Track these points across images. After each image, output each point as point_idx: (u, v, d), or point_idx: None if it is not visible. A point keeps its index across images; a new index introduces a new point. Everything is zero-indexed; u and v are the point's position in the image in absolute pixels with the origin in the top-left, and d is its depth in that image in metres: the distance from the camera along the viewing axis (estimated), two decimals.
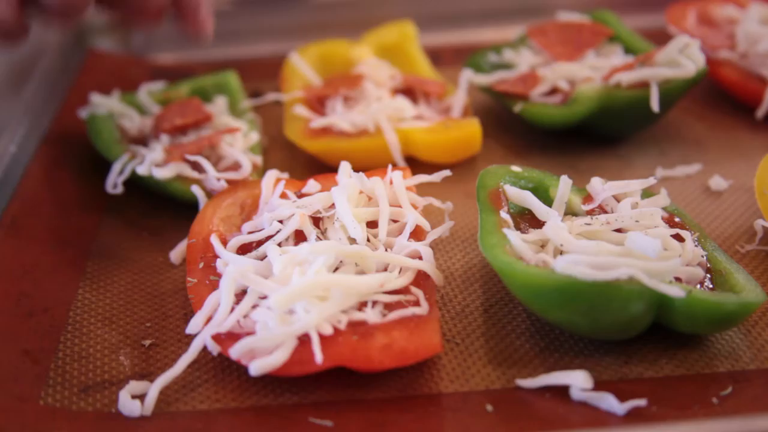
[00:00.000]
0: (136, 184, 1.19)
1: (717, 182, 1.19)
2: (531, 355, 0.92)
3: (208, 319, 0.92)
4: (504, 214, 0.97)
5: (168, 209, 1.18)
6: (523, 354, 0.92)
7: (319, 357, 0.84)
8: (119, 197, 1.20)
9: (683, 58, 1.25)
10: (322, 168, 1.21)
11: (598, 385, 0.87)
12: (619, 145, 1.31)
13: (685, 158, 1.27)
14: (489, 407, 0.86)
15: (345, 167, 1.06)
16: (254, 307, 0.91)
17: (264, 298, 0.91)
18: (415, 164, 1.23)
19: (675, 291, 0.85)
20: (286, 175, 1.12)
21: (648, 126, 1.32)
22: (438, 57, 1.60)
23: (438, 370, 0.91)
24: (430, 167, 1.17)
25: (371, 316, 0.88)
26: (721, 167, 1.24)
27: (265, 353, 0.86)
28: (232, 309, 0.91)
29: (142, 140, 1.28)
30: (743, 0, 1.51)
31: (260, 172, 1.19)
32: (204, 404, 0.88)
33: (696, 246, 0.97)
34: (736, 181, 1.20)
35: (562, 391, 0.87)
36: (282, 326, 0.86)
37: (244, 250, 1.02)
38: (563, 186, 1.01)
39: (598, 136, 1.31)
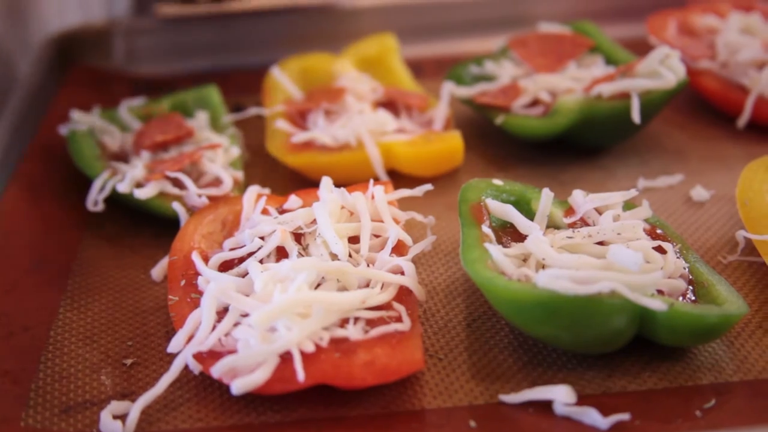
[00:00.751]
0: (117, 201, 1.18)
1: (699, 193, 1.20)
2: (514, 369, 0.92)
3: (190, 338, 0.91)
4: (486, 228, 0.97)
5: (149, 226, 1.18)
6: (506, 369, 0.92)
7: (301, 375, 0.84)
8: (100, 214, 1.20)
9: (664, 68, 1.25)
10: (304, 182, 1.21)
11: (582, 399, 0.87)
12: (601, 156, 1.31)
13: (667, 168, 1.27)
14: (472, 423, 0.86)
15: (326, 182, 1.05)
16: (236, 324, 0.91)
17: (246, 315, 0.91)
18: (398, 177, 1.23)
19: (657, 304, 0.85)
20: (267, 191, 1.12)
21: (630, 137, 1.32)
22: (420, 69, 1.60)
23: (421, 386, 0.90)
24: (412, 180, 1.17)
25: (353, 332, 0.88)
26: (703, 177, 1.24)
27: (246, 371, 0.85)
28: (214, 327, 0.90)
29: (124, 156, 1.28)
30: (723, 9, 1.52)
31: (241, 187, 1.19)
32: (186, 423, 0.88)
33: (678, 258, 0.97)
34: (718, 191, 1.20)
35: (546, 405, 0.86)
36: (263, 344, 0.86)
37: (225, 267, 1.01)
38: (545, 199, 1.01)
39: (580, 148, 1.31)
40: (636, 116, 1.21)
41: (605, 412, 0.84)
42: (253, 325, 0.86)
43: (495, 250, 0.92)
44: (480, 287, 0.92)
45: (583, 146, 1.31)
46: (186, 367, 0.90)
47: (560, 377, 0.90)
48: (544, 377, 0.91)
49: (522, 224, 0.98)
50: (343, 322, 0.89)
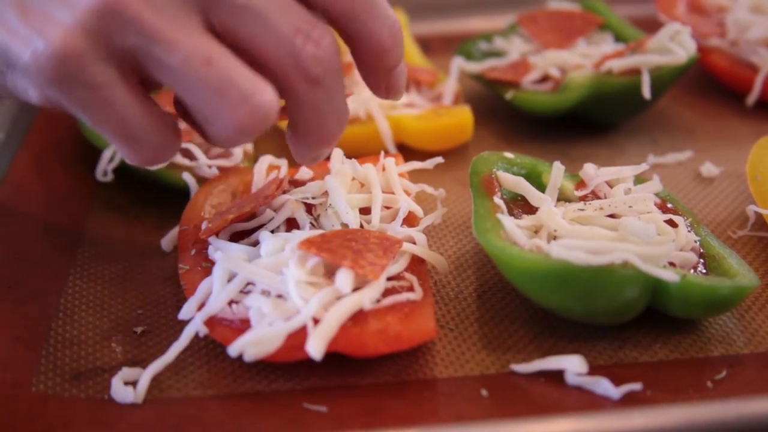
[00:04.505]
0: (126, 171, 1.18)
1: (708, 169, 1.20)
2: (525, 340, 0.92)
3: (201, 306, 0.91)
4: (497, 200, 0.97)
5: (159, 197, 1.18)
6: (517, 339, 0.92)
7: (314, 347, 0.83)
8: (109, 185, 1.20)
9: (674, 45, 1.25)
10: None
11: (593, 370, 0.87)
12: (610, 132, 1.31)
13: (676, 145, 1.27)
14: (484, 392, 0.86)
15: (337, 154, 1.05)
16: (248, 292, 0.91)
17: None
18: (407, 151, 1.23)
19: (669, 275, 0.85)
20: (283, 161, 1.11)
21: (639, 113, 1.32)
22: (428, 46, 1.60)
23: (432, 356, 0.90)
24: (421, 154, 1.16)
25: (366, 301, 0.87)
26: (712, 154, 1.24)
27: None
28: None
29: None
30: None
31: (251, 159, 1.19)
32: (197, 390, 0.88)
33: (689, 231, 0.97)
34: (727, 167, 1.20)
35: (557, 375, 0.86)
36: (277, 313, 0.86)
37: (236, 237, 1.01)
38: (556, 172, 1.01)
39: (589, 124, 1.31)
40: (647, 92, 1.21)
41: (616, 382, 0.84)
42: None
43: (507, 220, 0.92)
44: (492, 257, 0.92)
45: (592, 122, 1.31)
46: (197, 335, 0.90)
47: (572, 348, 0.90)
48: (555, 348, 0.91)
49: (534, 196, 0.98)
50: (355, 291, 0.89)
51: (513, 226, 0.92)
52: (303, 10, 0.81)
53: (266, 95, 0.79)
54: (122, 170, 1.18)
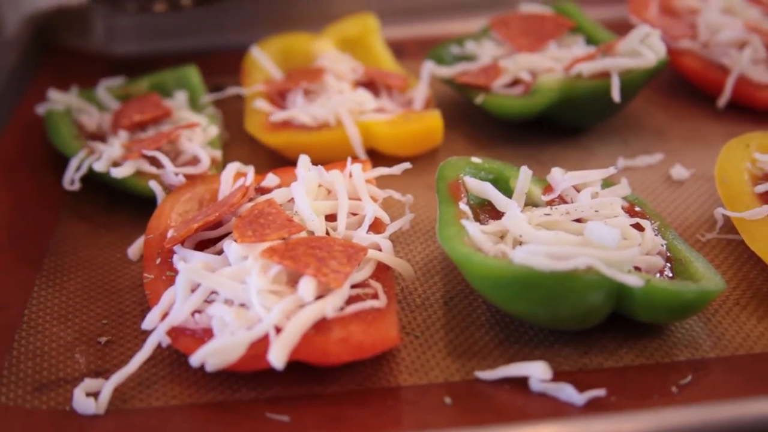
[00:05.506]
0: (94, 180, 1.18)
1: (678, 171, 1.19)
2: (491, 346, 0.92)
3: (165, 315, 0.91)
4: (463, 206, 0.97)
5: (127, 205, 1.17)
6: (482, 346, 0.92)
7: (276, 356, 0.83)
8: (77, 194, 1.19)
9: (644, 47, 1.25)
10: (284, 162, 1.20)
11: (558, 376, 0.86)
12: (581, 135, 1.31)
13: (647, 148, 1.27)
14: (447, 400, 0.85)
15: (304, 160, 1.05)
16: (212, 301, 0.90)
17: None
18: (377, 157, 1.22)
19: (633, 280, 0.84)
20: (250, 168, 1.11)
21: (610, 116, 1.32)
22: (401, 50, 1.59)
23: (397, 364, 0.90)
24: (391, 160, 1.16)
25: (328, 309, 0.87)
26: (683, 156, 1.24)
27: None
28: None
29: (101, 136, 1.27)
30: None
31: (219, 166, 1.18)
32: (159, 401, 0.87)
33: (656, 235, 0.96)
34: (698, 170, 1.20)
35: (522, 382, 0.86)
36: (239, 321, 0.85)
37: (202, 246, 1.00)
38: (523, 177, 1.00)
39: (560, 127, 1.31)
40: (616, 95, 1.21)
41: (581, 388, 0.84)
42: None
43: (472, 226, 0.92)
44: (456, 264, 0.91)
45: (563, 126, 1.31)
46: (161, 345, 0.89)
47: (537, 354, 0.90)
48: (520, 354, 0.90)
49: (499, 201, 0.97)
50: (318, 299, 0.89)
51: (477, 232, 0.91)
52: None
53: None
54: (90, 179, 1.17)
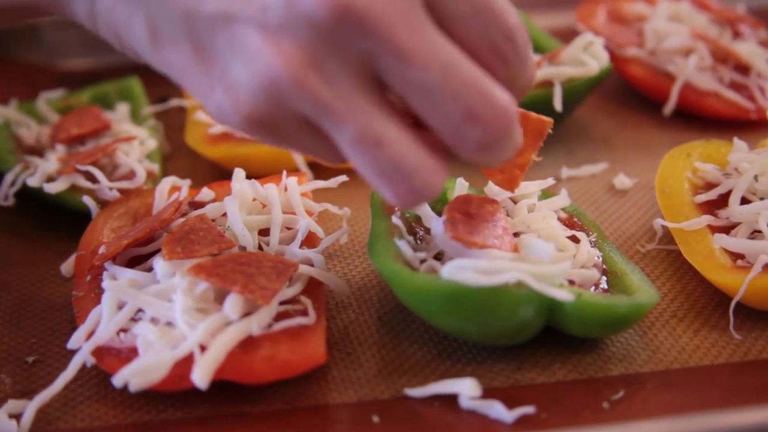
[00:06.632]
0: (30, 195, 1.16)
1: (621, 181, 1.18)
2: (422, 363, 0.90)
3: (91, 334, 0.89)
4: (395, 220, 0.95)
5: (63, 221, 1.15)
6: (414, 362, 0.90)
7: (199, 376, 0.81)
8: (12, 209, 1.17)
9: (587, 56, 1.24)
10: (227, 175, 1.18)
11: (490, 392, 0.85)
12: None
13: (592, 157, 1.26)
14: (375, 418, 0.84)
15: (239, 174, 1.03)
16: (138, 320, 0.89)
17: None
18: (319, 170, 1.21)
19: (563, 295, 0.83)
20: (187, 182, 1.09)
21: (556, 125, 1.30)
22: None
23: (327, 381, 0.89)
24: (333, 173, 1.15)
25: (255, 327, 0.85)
26: (627, 165, 1.23)
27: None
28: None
29: (40, 150, 1.25)
30: None
31: (157, 180, 1.16)
32: (84, 422, 0.86)
33: (593, 247, 0.95)
34: (641, 179, 1.19)
35: (452, 399, 0.85)
36: (163, 340, 0.84)
37: (135, 262, 0.99)
38: (458, 189, 0.99)
39: None
40: (558, 104, 1.20)
41: (512, 404, 0.83)
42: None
43: (401, 241, 0.90)
44: (385, 279, 0.90)
45: None
46: (87, 365, 0.88)
47: (469, 370, 0.89)
48: (452, 370, 0.89)
49: (428, 216, 0.95)
50: (246, 316, 0.87)
51: (407, 247, 0.90)
52: (484, 85, 0.76)
53: (426, 177, 0.77)
54: (25, 194, 1.15)
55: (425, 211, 0.95)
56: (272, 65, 0.73)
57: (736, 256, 0.96)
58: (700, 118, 1.33)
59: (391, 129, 0.75)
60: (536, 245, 0.87)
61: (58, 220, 1.16)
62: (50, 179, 1.13)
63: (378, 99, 0.76)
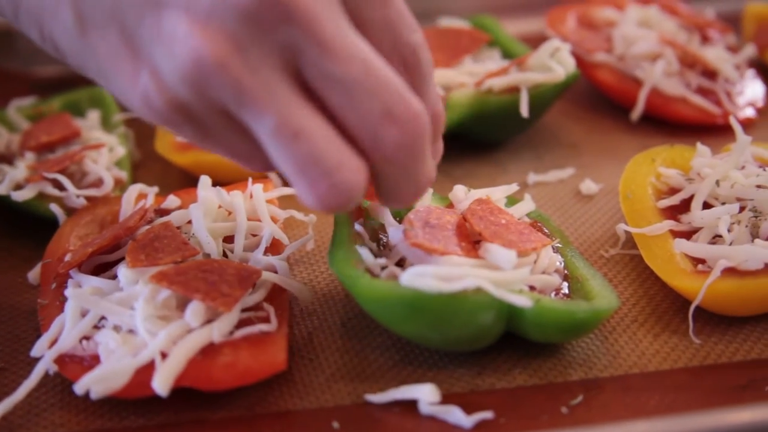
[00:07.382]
0: None
1: (588, 186, 1.19)
2: (384, 369, 0.91)
3: (54, 342, 0.89)
4: (358, 227, 0.96)
5: (31, 228, 1.15)
6: (376, 368, 0.91)
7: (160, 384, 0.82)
8: None
9: (554, 62, 1.24)
10: (196, 182, 1.18)
11: (450, 398, 0.86)
12: (495, 150, 1.30)
13: (560, 162, 1.27)
14: (335, 424, 0.84)
15: (204, 181, 1.04)
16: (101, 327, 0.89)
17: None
18: None
19: (521, 300, 0.84)
20: (154, 189, 1.10)
21: (523, 131, 1.32)
22: None
23: (288, 388, 0.89)
24: None
25: (216, 334, 0.86)
26: (594, 171, 1.24)
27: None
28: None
29: (10, 158, 1.25)
30: (623, 2, 1.51)
31: (125, 187, 1.16)
32: (47, 429, 0.86)
33: (555, 253, 0.96)
34: (607, 184, 1.20)
35: (412, 405, 0.85)
36: (125, 348, 0.84)
37: (101, 269, 0.99)
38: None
39: (473, 142, 1.30)
40: (525, 110, 1.21)
41: (472, 410, 0.84)
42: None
43: (362, 248, 0.91)
44: (345, 286, 0.91)
45: (477, 141, 1.30)
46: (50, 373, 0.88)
47: (430, 376, 0.89)
48: (413, 376, 0.90)
49: (389, 223, 0.96)
50: (207, 322, 0.88)
51: (368, 254, 0.91)
52: (401, 87, 0.77)
53: (348, 173, 0.76)
54: None
55: (386, 217, 0.96)
56: (197, 50, 0.73)
57: (696, 260, 0.97)
58: (667, 123, 1.34)
59: (313, 121, 0.75)
60: (497, 252, 0.88)
61: (26, 227, 1.16)
62: (18, 187, 1.13)
63: (300, 91, 0.76)
